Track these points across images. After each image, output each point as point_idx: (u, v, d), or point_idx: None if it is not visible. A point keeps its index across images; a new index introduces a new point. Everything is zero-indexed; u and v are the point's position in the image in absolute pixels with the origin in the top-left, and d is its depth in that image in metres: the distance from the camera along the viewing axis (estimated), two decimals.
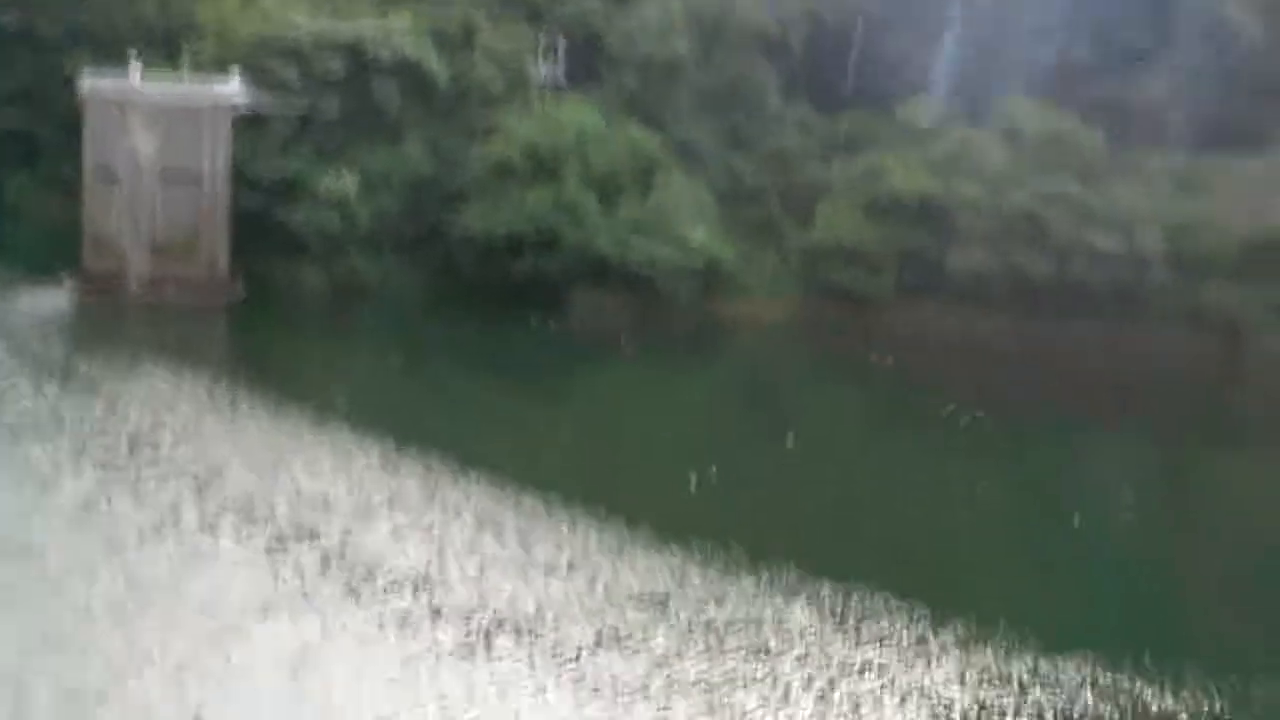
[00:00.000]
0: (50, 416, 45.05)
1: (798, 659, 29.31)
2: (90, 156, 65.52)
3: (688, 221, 67.07)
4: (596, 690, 27.62)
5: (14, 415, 44.58)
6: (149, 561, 32.48)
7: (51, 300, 61.75)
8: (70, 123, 66.00)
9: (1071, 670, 29.85)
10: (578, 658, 29.03)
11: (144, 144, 64.44)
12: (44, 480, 38.50)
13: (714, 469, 41.99)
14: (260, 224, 65.75)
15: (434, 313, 63.36)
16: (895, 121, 70.54)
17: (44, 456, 40.74)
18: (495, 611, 30.63)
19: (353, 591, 31.36)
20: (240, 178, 65.45)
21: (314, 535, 34.57)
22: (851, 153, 70.71)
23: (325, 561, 32.98)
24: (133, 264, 64.18)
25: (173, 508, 36.37)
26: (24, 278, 63.97)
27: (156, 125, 64.63)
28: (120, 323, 60.71)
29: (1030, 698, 28.68)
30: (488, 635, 29.58)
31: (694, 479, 41.07)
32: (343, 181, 67.03)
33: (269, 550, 33.69)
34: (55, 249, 65.13)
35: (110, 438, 42.91)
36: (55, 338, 56.59)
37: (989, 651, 30.41)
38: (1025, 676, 29.55)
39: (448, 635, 29.44)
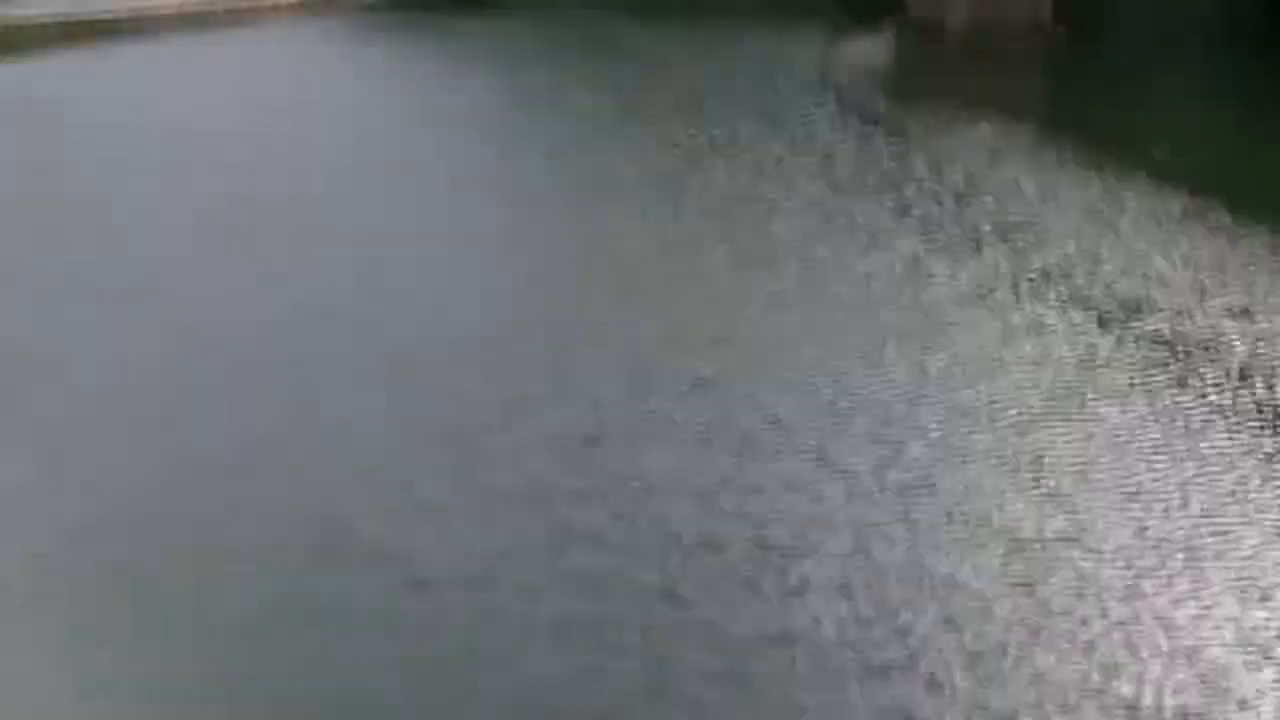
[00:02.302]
0: (874, 172, 46.37)
1: None
2: None
3: None
4: None
5: (843, 173, 46.00)
6: (967, 329, 32.72)
7: (872, 48, 62.88)
8: None
9: None
10: None
11: None
12: (871, 239, 39.73)
13: None
14: None
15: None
16: None
17: (870, 214, 41.95)
18: None
19: (1182, 376, 29.96)
20: None
21: (1137, 311, 33.28)
22: None
23: (1147, 341, 31.69)
24: (954, 7, 63.65)
25: (989, 275, 36.30)
26: (846, 23, 65.56)
27: None
28: (939, 72, 60.63)
29: None
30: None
31: None
32: None
33: (1090, 325, 32.87)
34: None
35: (931, 197, 43.38)
36: (877, 88, 57.94)
37: None
38: None
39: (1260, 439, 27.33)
